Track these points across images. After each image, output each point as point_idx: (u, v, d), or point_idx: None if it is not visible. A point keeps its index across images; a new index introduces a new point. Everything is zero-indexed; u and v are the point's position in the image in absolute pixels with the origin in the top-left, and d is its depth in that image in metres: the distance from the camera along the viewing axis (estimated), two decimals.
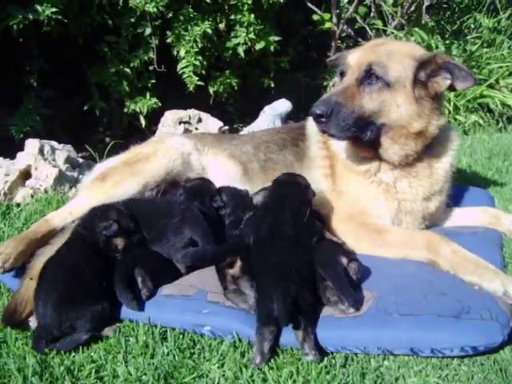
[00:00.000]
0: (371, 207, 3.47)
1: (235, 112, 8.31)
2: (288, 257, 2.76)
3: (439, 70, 3.25)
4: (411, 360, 2.47)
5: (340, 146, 3.62)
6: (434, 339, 2.42)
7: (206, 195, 3.53)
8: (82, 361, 2.57)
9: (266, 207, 3.26)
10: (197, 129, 5.93)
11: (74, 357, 2.61)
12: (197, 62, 6.54)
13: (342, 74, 3.41)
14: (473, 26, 9.12)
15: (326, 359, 2.48)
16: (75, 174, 5.29)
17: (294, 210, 3.12)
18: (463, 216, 3.83)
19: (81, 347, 2.66)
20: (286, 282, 2.56)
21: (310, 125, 3.96)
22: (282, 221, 3.04)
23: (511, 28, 8.82)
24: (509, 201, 4.42)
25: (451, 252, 3.01)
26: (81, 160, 5.68)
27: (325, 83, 8.99)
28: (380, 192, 3.48)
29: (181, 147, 4.00)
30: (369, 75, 3.23)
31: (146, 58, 6.62)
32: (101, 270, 2.96)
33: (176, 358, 2.56)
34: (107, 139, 7.68)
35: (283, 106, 6.24)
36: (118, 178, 3.69)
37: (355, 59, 3.35)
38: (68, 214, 3.55)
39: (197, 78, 6.61)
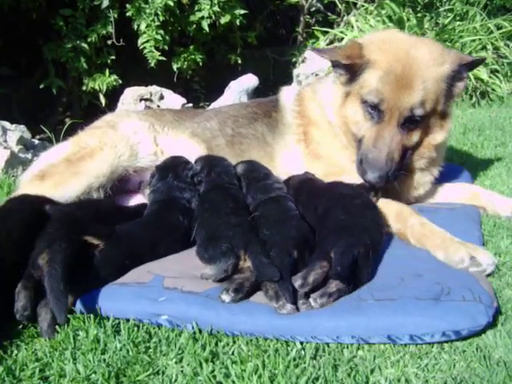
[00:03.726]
0: (348, 167, 3.42)
1: (201, 90, 8.02)
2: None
3: (462, 73, 3.23)
4: (388, 349, 2.26)
5: (324, 109, 3.60)
6: (413, 324, 2.22)
7: (178, 166, 3.46)
8: (24, 359, 2.30)
9: None
10: (158, 106, 5.66)
11: (16, 355, 2.35)
12: (158, 37, 6.24)
13: (350, 70, 3.26)
14: None
15: (294, 350, 2.25)
16: (29, 156, 4.98)
17: None
18: (441, 193, 3.71)
19: (24, 344, 2.40)
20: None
21: (284, 96, 3.97)
22: None
23: (484, 0, 8.64)
24: (485, 176, 4.29)
25: (419, 224, 2.98)
26: (36, 141, 5.35)
27: (293, 59, 8.76)
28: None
29: (132, 136, 3.71)
30: (410, 118, 3.14)
31: (104, 32, 6.29)
32: None
33: (130, 353, 2.30)
34: (67, 119, 7.33)
35: (250, 81, 6.00)
36: (59, 179, 3.38)
37: (392, 101, 3.10)
38: None
39: (158, 54, 6.32)
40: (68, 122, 7.14)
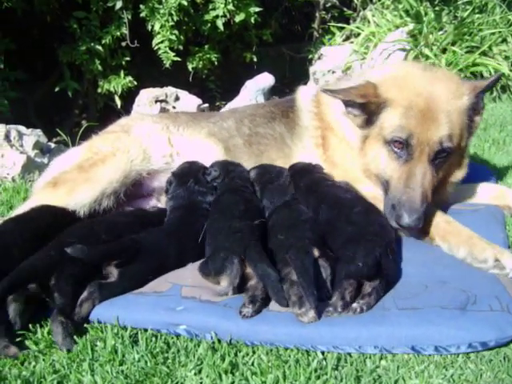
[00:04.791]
0: (363, 177, 3.31)
1: (216, 89, 7.99)
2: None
3: (479, 104, 3.17)
4: (411, 359, 2.19)
5: (340, 121, 3.46)
6: (438, 335, 2.15)
7: (197, 172, 3.43)
8: (42, 371, 2.27)
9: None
10: (174, 107, 5.62)
11: (34, 367, 2.32)
12: (173, 37, 6.20)
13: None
14: None
15: (315, 361, 2.20)
16: (45, 160, 4.98)
17: None
18: (463, 193, 3.58)
19: (41, 355, 2.38)
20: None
21: (301, 96, 3.87)
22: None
23: None
24: (508, 174, 4.18)
25: (444, 221, 2.93)
26: (53, 145, 5.36)
27: (309, 56, 8.68)
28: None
29: (145, 139, 3.66)
30: (439, 153, 2.99)
31: (118, 33, 6.27)
32: None
33: (148, 364, 2.27)
34: (83, 122, 7.36)
35: (266, 80, 5.93)
36: (72, 186, 3.34)
37: (420, 135, 2.95)
38: None
39: (173, 54, 6.28)
40: (84, 124, 7.19)
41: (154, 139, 3.70)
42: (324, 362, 2.21)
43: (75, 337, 2.45)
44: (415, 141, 2.95)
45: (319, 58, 7.67)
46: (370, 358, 2.22)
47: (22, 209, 3.30)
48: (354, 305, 2.35)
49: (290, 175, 3.36)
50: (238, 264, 2.54)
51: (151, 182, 3.66)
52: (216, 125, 3.89)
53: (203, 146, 3.78)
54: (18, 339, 2.47)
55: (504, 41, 7.48)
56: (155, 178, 3.66)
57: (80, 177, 3.38)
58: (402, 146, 2.99)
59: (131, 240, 2.86)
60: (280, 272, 2.50)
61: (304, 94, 3.89)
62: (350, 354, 2.25)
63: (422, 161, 2.96)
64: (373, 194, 3.21)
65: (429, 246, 2.92)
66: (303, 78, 8.15)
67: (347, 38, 8.38)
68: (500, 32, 7.43)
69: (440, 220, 2.94)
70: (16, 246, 2.76)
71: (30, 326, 2.56)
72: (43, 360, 2.36)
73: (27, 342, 2.47)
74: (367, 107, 3.09)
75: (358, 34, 7.93)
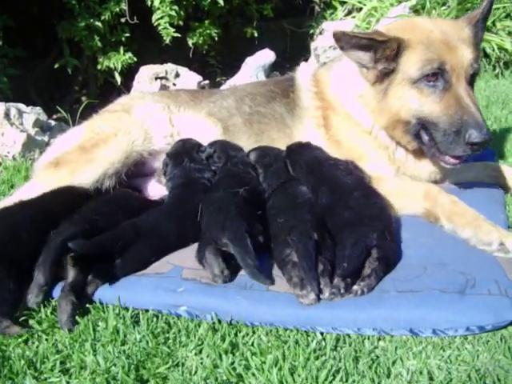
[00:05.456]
0: (370, 155, 3.35)
1: (217, 64, 7.92)
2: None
3: (478, 33, 3.21)
4: (409, 340, 2.21)
5: (343, 98, 3.46)
6: (436, 319, 2.17)
7: (191, 150, 3.43)
8: (45, 351, 2.31)
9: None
10: (174, 84, 5.58)
11: (37, 346, 2.36)
12: (173, 13, 6.13)
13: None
14: None
15: (315, 342, 2.22)
16: (46, 138, 4.98)
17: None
18: (463, 172, 3.57)
19: (44, 334, 2.42)
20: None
21: (300, 75, 3.83)
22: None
23: None
24: (509, 153, 4.16)
25: (450, 202, 2.93)
26: (53, 123, 5.34)
27: (311, 31, 8.58)
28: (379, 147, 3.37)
29: (146, 120, 3.65)
30: (473, 75, 3.05)
31: (117, 9, 6.18)
32: None
33: (149, 344, 2.30)
34: (83, 98, 7.32)
35: (266, 56, 5.88)
36: (74, 166, 3.35)
37: (451, 61, 2.97)
38: None
39: (173, 30, 6.21)
40: (84, 100, 7.16)
41: (155, 119, 3.69)
42: (323, 343, 2.23)
43: (77, 317, 2.48)
44: (449, 67, 2.97)
45: (320, 33, 7.57)
46: (369, 339, 2.24)
47: (24, 188, 3.32)
48: (355, 287, 2.36)
49: (287, 154, 3.35)
50: (211, 256, 2.59)
51: (152, 162, 3.67)
52: (216, 104, 3.87)
53: (203, 125, 3.77)
54: (22, 318, 2.50)
55: (508, 16, 7.39)
56: (156, 158, 3.66)
57: (82, 157, 3.38)
58: (437, 77, 2.99)
59: (129, 224, 2.87)
60: (281, 253, 2.51)
61: (303, 73, 3.86)
62: (348, 335, 2.27)
63: (462, 84, 2.99)
64: (376, 172, 3.23)
65: (429, 227, 2.92)
66: (304, 53, 8.07)
67: (349, 13, 8.26)
68: (504, 7, 7.34)
69: (446, 200, 2.93)
70: (25, 231, 2.77)
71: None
72: (46, 340, 2.39)
73: (31, 322, 2.50)
74: (383, 54, 3.06)
75: (360, 9, 7.82)
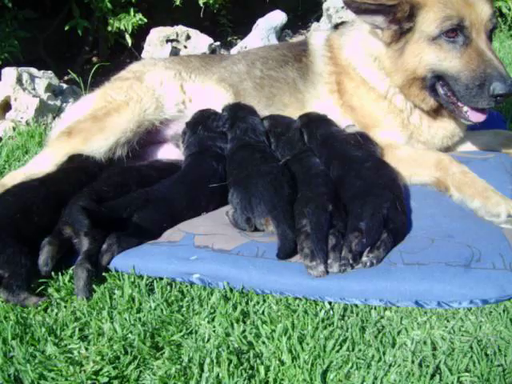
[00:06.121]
0: (384, 121, 3.37)
1: (228, 23, 7.81)
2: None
3: None
4: (414, 310, 2.29)
5: (357, 63, 3.47)
6: (442, 292, 2.23)
7: (207, 119, 3.48)
8: (64, 319, 2.41)
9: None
10: (185, 47, 5.54)
11: (56, 314, 2.46)
12: None
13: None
14: None
15: (323, 311, 2.30)
16: (58, 103, 5.00)
17: None
18: (474, 140, 3.60)
19: (63, 302, 2.52)
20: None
21: (314, 39, 3.83)
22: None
23: None
24: None
25: (460, 172, 2.95)
26: (64, 86, 5.35)
27: None
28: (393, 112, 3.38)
29: (158, 88, 3.66)
30: (491, 30, 3.07)
31: None
32: None
33: (163, 312, 2.39)
34: (94, 59, 7.29)
35: (277, 18, 5.79)
36: (87, 135, 3.38)
37: (470, 16, 2.97)
38: (29, 177, 3.22)
39: None
40: (95, 61, 7.14)
41: (167, 87, 3.70)
42: (331, 312, 2.32)
43: (94, 286, 2.57)
44: (468, 22, 2.98)
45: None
46: (375, 309, 2.32)
47: (38, 158, 3.38)
48: (364, 258, 2.42)
49: (303, 123, 3.37)
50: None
51: (165, 131, 3.70)
52: (227, 69, 3.87)
53: (214, 92, 3.78)
54: (41, 288, 2.60)
55: None
56: (168, 127, 3.70)
57: (94, 126, 3.41)
58: (456, 33, 3.00)
59: (139, 193, 2.96)
60: (297, 224, 2.57)
61: (317, 38, 3.84)
62: (356, 305, 2.35)
63: (482, 38, 3.01)
64: (388, 140, 3.26)
65: (435, 197, 2.96)
66: (316, 9, 7.94)
67: None
68: None
69: (456, 170, 2.96)
70: (37, 208, 2.84)
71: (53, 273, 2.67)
72: (64, 307, 2.49)
73: (50, 290, 2.60)
74: (395, 17, 3.06)
75: None
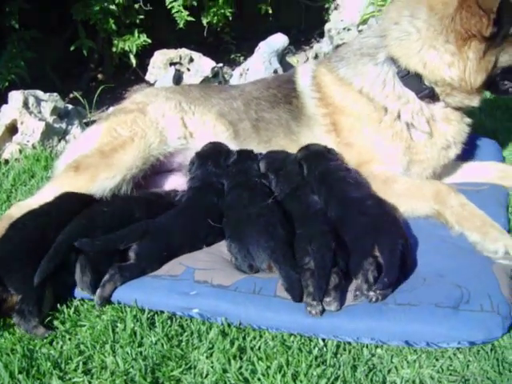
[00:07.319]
0: (383, 152, 3.37)
1: (231, 41, 7.90)
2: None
3: None
4: (405, 348, 2.38)
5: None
6: (431, 333, 2.31)
7: (219, 156, 3.54)
8: (69, 352, 2.50)
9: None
10: (188, 69, 5.64)
11: (61, 347, 2.55)
12: None
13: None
14: None
15: (316, 349, 2.39)
16: (63, 125, 5.10)
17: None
18: (469, 171, 3.65)
19: (67, 334, 2.61)
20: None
21: (300, 78, 3.81)
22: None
23: None
24: None
25: (459, 204, 2.98)
26: (70, 107, 5.44)
27: (326, 5, 8.47)
28: (391, 135, 3.37)
29: (161, 121, 3.71)
30: None
31: None
32: None
33: (164, 346, 2.48)
34: (99, 76, 7.41)
35: (279, 41, 5.87)
36: (94, 172, 3.40)
37: None
38: None
39: (187, 13, 6.20)
40: (100, 78, 7.27)
41: (169, 120, 3.75)
42: (324, 349, 2.40)
43: (97, 318, 2.67)
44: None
45: (335, 9, 7.51)
46: (367, 346, 2.41)
47: (45, 191, 3.43)
48: (371, 293, 2.45)
49: (303, 157, 3.41)
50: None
51: (168, 163, 3.76)
52: (226, 103, 3.90)
53: (214, 128, 3.83)
54: (47, 319, 2.69)
55: None
56: (171, 160, 3.76)
57: (102, 162, 3.44)
58: None
59: (137, 225, 3.07)
60: (300, 261, 2.62)
61: (303, 78, 3.81)
62: (348, 343, 2.43)
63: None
64: (385, 173, 3.27)
65: (427, 231, 3.00)
66: (318, 27, 8.02)
67: None
68: None
69: (455, 203, 3.00)
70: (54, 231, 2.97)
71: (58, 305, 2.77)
72: (69, 339, 2.58)
73: (55, 322, 2.69)
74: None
75: None
